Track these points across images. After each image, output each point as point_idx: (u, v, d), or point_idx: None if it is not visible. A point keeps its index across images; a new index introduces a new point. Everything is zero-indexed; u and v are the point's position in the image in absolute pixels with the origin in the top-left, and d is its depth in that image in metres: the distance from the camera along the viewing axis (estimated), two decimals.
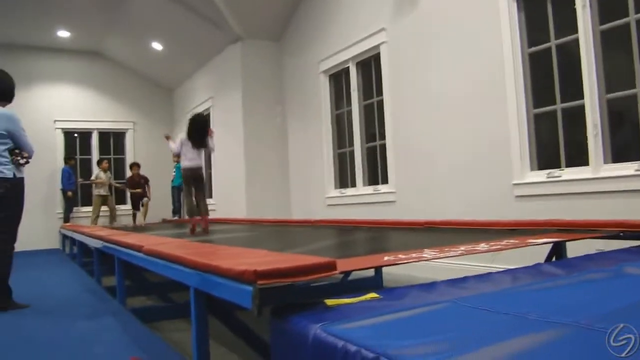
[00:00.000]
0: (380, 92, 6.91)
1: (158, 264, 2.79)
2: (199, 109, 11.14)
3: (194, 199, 5.69)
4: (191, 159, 5.64)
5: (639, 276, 1.87)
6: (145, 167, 11.76)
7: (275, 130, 9.18)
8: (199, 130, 5.68)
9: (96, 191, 11.46)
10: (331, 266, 1.80)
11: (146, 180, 11.47)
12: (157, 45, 10.99)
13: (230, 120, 9.59)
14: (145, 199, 11.23)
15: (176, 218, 11.28)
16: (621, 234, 2.95)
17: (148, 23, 10.19)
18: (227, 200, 9.84)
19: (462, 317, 1.44)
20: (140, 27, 10.53)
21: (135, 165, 11.53)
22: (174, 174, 11.38)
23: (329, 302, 1.71)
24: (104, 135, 12.81)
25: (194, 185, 5.69)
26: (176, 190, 11.34)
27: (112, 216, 11.65)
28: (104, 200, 11.44)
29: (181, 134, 5.80)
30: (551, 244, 3.01)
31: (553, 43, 4.85)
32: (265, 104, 9.20)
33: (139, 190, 11.28)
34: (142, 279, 5.30)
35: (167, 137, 6.37)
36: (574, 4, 4.54)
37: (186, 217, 9.19)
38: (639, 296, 1.56)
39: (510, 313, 1.40)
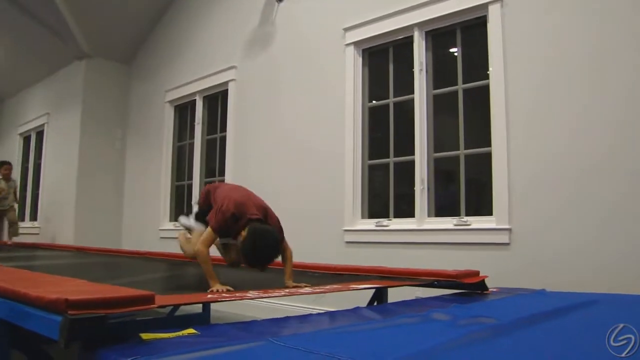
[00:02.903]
0: (224, 127, 6.91)
1: None
2: (33, 124, 10.40)
3: None
4: None
5: (444, 321, 2.00)
6: None
7: (114, 156, 8.79)
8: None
9: None
10: (149, 299, 1.73)
11: None
12: None
13: (65, 139, 9.02)
14: None
15: None
16: (436, 282, 3.16)
17: None
18: (53, 224, 9.18)
19: (273, 356, 1.45)
20: None
21: None
22: None
23: (145, 336, 1.64)
24: None
25: None
26: None
27: (14, 231, 8.79)
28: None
29: None
30: (374, 290, 3.15)
31: (391, 100, 5.18)
32: (106, 126, 8.78)
33: None
34: None
35: None
36: (413, 67, 4.91)
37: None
38: (439, 339, 1.67)
39: (321, 353, 1.43)
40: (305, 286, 2.77)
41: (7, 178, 8.77)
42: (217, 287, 2.57)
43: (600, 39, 3.80)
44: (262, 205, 2.92)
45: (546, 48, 4.06)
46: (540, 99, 4.04)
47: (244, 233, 2.64)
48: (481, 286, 3.08)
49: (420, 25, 4.89)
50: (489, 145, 4.32)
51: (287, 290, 2.61)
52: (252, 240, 2.59)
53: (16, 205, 9.10)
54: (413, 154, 4.82)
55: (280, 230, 2.85)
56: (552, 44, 4.03)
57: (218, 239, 2.93)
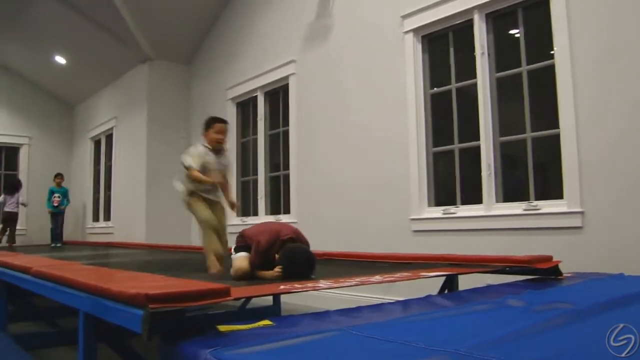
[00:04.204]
0: (286, 122, 6.97)
1: (46, 286, 2.66)
2: (102, 128, 10.79)
3: None
4: None
5: (518, 307, 1.98)
6: (38, 185, 11.21)
7: (180, 155, 8.97)
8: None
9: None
10: (225, 292, 1.78)
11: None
12: (60, 59, 10.56)
13: (133, 141, 9.33)
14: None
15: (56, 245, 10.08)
16: (507, 268, 3.11)
17: (51, 35, 9.76)
18: (125, 224, 9.52)
19: (350, 345, 1.47)
20: (41, 39, 10.07)
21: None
22: (57, 197, 10.44)
23: (222, 328, 1.69)
24: None
25: None
26: (55, 216, 10.43)
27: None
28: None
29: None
30: (444, 277, 3.13)
31: (453, 86, 5.11)
32: (171, 127, 9.02)
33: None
34: (29, 304, 5.00)
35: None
36: (474, 51, 4.82)
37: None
38: (515, 326, 1.65)
39: (397, 341, 1.44)
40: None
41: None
42: (270, 274, 2.88)
43: None
44: (292, 229, 3.18)
45: (611, 22, 3.92)
46: (607, 75, 3.90)
47: (277, 255, 2.96)
48: (555, 271, 3.01)
49: (480, 7, 4.79)
50: (557, 126, 4.21)
51: (357, 280, 2.62)
52: (288, 257, 2.89)
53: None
54: (478, 139, 4.75)
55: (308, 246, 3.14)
56: (616, 17, 3.89)
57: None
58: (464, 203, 4.93)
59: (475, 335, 1.55)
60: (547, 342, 1.49)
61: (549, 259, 3.10)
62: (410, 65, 5.29)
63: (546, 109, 4.38)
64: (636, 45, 3.76)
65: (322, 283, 2.52)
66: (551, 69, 4.28)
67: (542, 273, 3.00)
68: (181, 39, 8.82)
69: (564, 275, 3.03)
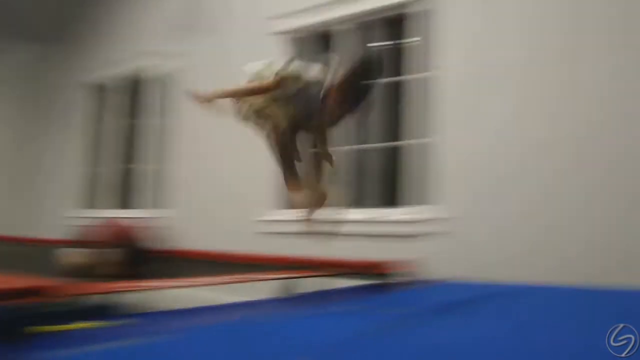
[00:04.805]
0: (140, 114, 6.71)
1: None
2: None
3: None
4: None
5: (350, 312, 2.02)
6: None
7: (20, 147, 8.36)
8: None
9: None
10: (42, 290, 1.67)
11: None
12: None
13: None
14: None
15: None
16: (345, 273, 3.21)
17: None
18: None
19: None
20: None
21: None
22: None
23: (36, 329, 1.58)
24: None
25: None
26: None
27: None
28: None
29: None
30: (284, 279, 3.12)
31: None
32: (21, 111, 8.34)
33: None
34: None
35: None
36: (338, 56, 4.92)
37: None
38: (346, 331, 1.68)
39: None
40: None
41: None
42: None
43: (534, 26, 3.98)
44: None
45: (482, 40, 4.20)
46: (473, 91, 4.17)
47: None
48: (391, 276, 3.12)
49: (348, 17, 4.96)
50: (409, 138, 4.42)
51: (191, 281, 2.56)
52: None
53: None
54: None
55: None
56: (488, 37, 4.17)
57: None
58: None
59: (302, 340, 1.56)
60: (375, 347, 1.52)
61: (388, 263, 3.20)
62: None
63: (398, 120, 4.58)
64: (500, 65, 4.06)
65: (161, 282, 2.45)
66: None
67: (379, 278, 3.10)
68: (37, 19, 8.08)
69: (402, 280, 3.14)
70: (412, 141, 4.47)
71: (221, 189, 5.65)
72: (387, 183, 4.69)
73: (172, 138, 6.46)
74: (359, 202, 4.76)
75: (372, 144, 4.77)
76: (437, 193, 4.24)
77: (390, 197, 4.65)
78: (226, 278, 2.75)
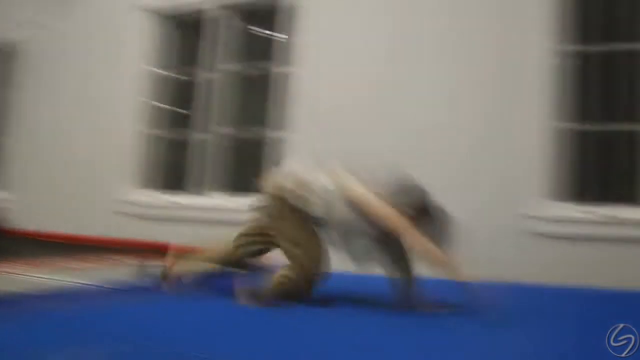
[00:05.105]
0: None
1: None
2: None
3: None
4: None
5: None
6: None
7: None
8: None
9: None
10: None
11: None
12: None
13: None
14: None
15: None
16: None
17: None
18: None
19: None
20: None
21: None
22: None
23: None
24: None
25: None
26: None
27: None
28: None
29: None
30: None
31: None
32: None
33: None
34: None
35: None
36: (213, 42, 4.90)
37: None
38: None
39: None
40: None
41: None
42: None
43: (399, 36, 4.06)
44: None
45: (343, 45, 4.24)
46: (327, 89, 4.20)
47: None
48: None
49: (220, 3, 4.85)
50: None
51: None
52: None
53: None
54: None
55: None
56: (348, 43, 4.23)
57: None
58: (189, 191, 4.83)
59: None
60: None
61: None
62: (138, 43, 5.10)
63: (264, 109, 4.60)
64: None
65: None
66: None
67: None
68: None
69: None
70: (270, 133, 4.50)
71: (74, 165, 5.25)
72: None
73: (17, 112, 5.85)
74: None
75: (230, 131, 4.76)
76: None
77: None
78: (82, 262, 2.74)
